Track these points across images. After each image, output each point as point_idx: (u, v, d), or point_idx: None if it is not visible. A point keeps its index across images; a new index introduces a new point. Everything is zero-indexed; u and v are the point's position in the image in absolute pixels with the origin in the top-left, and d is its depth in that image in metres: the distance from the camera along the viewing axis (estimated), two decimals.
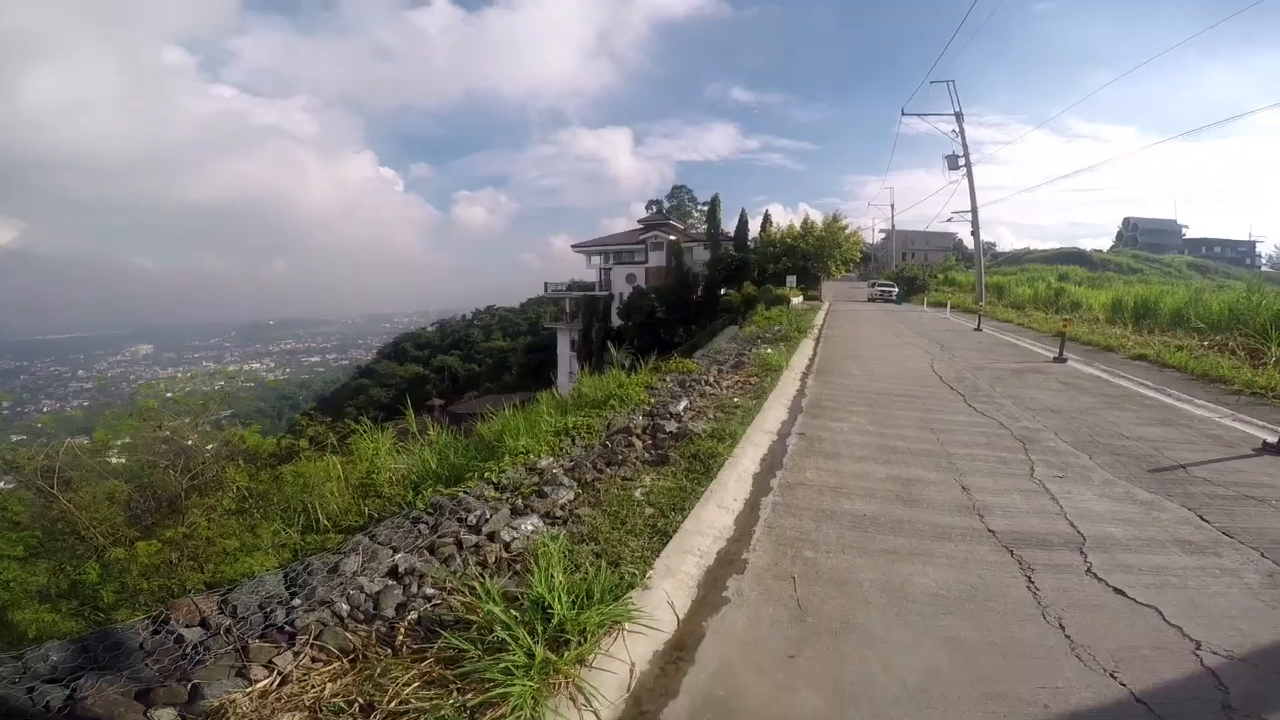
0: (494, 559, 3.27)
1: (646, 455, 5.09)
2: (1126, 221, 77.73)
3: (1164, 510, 4.33)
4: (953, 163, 30.47)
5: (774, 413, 6.95)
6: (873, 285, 45.01)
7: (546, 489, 4.19)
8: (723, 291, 42.35)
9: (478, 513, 3.71)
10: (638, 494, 4.20)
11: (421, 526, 3.61)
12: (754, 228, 50.00)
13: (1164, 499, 4.54)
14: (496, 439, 5.72)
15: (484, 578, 2.93)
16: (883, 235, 72.01)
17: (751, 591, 3.21)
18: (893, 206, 64.02)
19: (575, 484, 4.35)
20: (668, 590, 3.09)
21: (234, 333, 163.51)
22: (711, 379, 8.31)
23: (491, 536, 3.48)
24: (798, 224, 47.66)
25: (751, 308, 25.82)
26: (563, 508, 3.98)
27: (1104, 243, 74.66)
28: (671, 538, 3.56)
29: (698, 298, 46.87)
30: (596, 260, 54.93)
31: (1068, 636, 2.80)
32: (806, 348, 13.16)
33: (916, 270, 51.59)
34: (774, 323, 17.76)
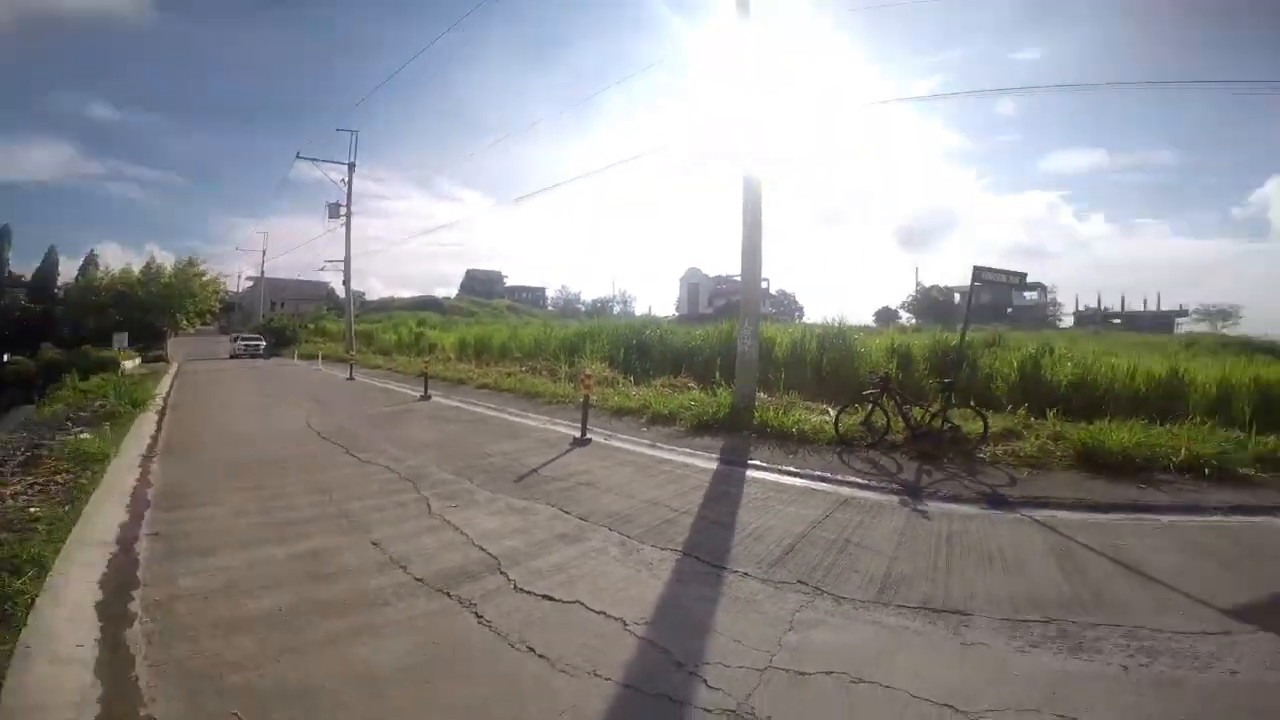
0: None
1: None
2: (468, 273, 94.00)
3: (537, 513, 5.17)
4: (334, 211, 30.70)
5: (107, 516, 5.00)
6: (235, 340, 39.75)
7: None
8: (6, 358, 30.04)
9: None
10: None
11: None
12: (71, 271, 37.42)
13: (533, 502, 5.44)
14: None
15: None
16: (250, 284, 64.77)
17: None
18: (264, 253, 57.06)
19: None
20: None
21: None
22: None
23: None
24: (137, 268, 38.30)
25: (57, 378, 18.79)
26: None
27: (453, 290, 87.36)
28: None
29: None
30: None
31: (542, 656, 2.91)
32: (148, 424, 10.30)
33: (286, 321, 48.82)
34: (95, 396, 13.28)
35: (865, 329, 16.74)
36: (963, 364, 9.23)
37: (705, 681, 2.73)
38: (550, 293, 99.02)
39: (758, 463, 6.75)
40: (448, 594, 3.64)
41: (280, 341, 40.09)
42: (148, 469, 6.90)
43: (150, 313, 36.68)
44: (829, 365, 12.48)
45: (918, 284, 67.82)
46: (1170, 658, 2.90)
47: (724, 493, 5.74)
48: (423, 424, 10.02)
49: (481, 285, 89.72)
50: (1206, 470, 6.06)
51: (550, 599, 3.56)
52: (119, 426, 9.27)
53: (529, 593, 3.65)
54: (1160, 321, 53.56)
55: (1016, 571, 3.95)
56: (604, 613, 3.38)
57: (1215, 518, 5.06)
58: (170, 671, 2.78)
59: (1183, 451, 6.29)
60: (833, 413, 8.53)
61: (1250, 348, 17.28)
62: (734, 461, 6.84)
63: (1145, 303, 61.96)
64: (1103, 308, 62.34)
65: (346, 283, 32.33)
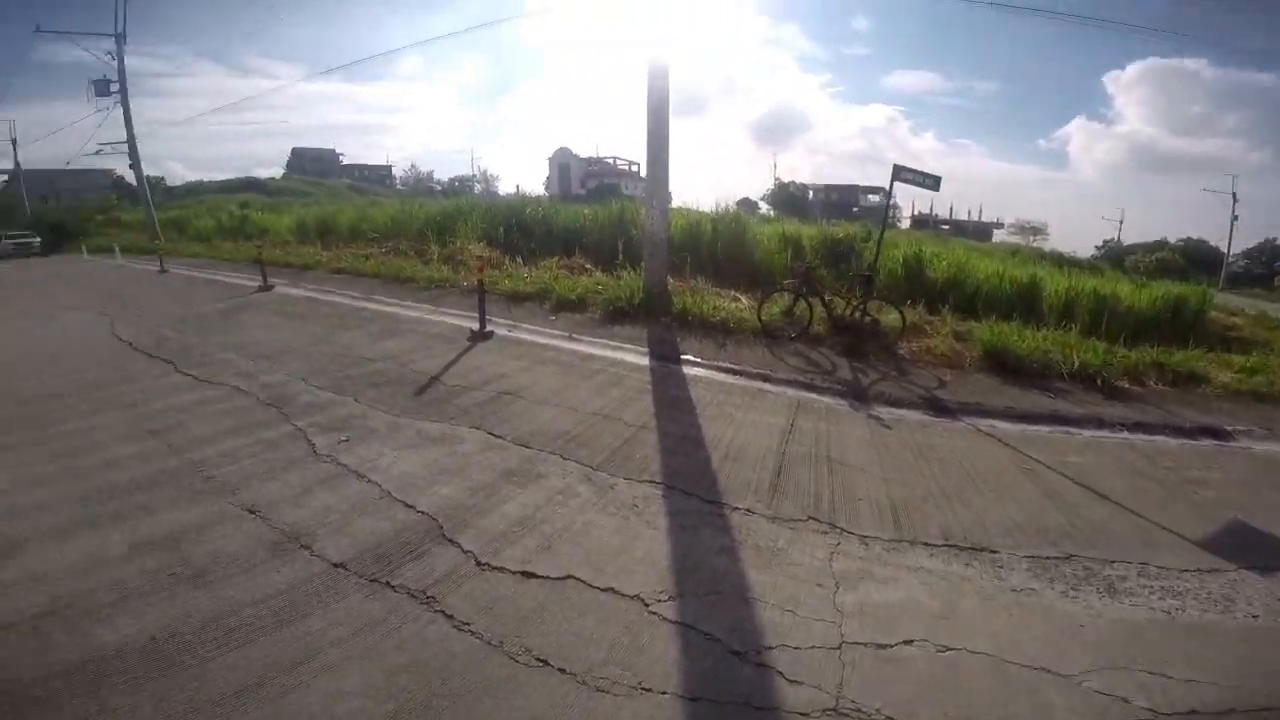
0: None
1: None
2: (294, 151, 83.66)
3: (463, 440, 4.13)
4: (102, 88, 24.83)
5: None
6: (2, 239, 30.79)
7: None
8: None
9: None
10: None
11: None
12: None
13: (452, 425, 4.39)
14: None
15: None
16: (3, 178, 50.33)
17: None
18: (15, 143, 44.00)
19: None
20: None
21: None
22: None
23: None
24: None
25: None
26: None
27: (276, 172, 77.12)
28: None
29: None
30: None
31: (563, 670, 2.14)
32: None
33: (63, 215, 39.06)
34: None
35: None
36: (876, 259, 9.05)
37: (782, 674, 2.14)
38: (398, 172, 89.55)
39: (691, 358, 6.15)
40: (389, 584, 2.60)
41: (61, 236, 31.98)
42: None
43: None
44: (723, 251, 12.06)
45: (776, 178, 69.12)
46: (1195, 600, 2.74)
47: (673, 397, 5.08)
48: (270, 322, 8.19)
49: (313, 164, 79.30)
50: (1099, 381, 6.04)
51: (533, 576, 2.67)
52: None
53: (502, 570, 2.71)
54: (981, 230, 58.85)
55: (1005, 495, 3.70)
56: (612, 589, 2.58)
57: (1123, 434, 5.01)
58: None
59: (1075, 361, 6.30)
60: (745, 300, 8.16)
61: (1060, 260, 19.19)
62: (667, 357, 6.18)
63: (969, 213, 67.43)
64: (933, 214, 67.70)
65: (135, 166, 26.63)
